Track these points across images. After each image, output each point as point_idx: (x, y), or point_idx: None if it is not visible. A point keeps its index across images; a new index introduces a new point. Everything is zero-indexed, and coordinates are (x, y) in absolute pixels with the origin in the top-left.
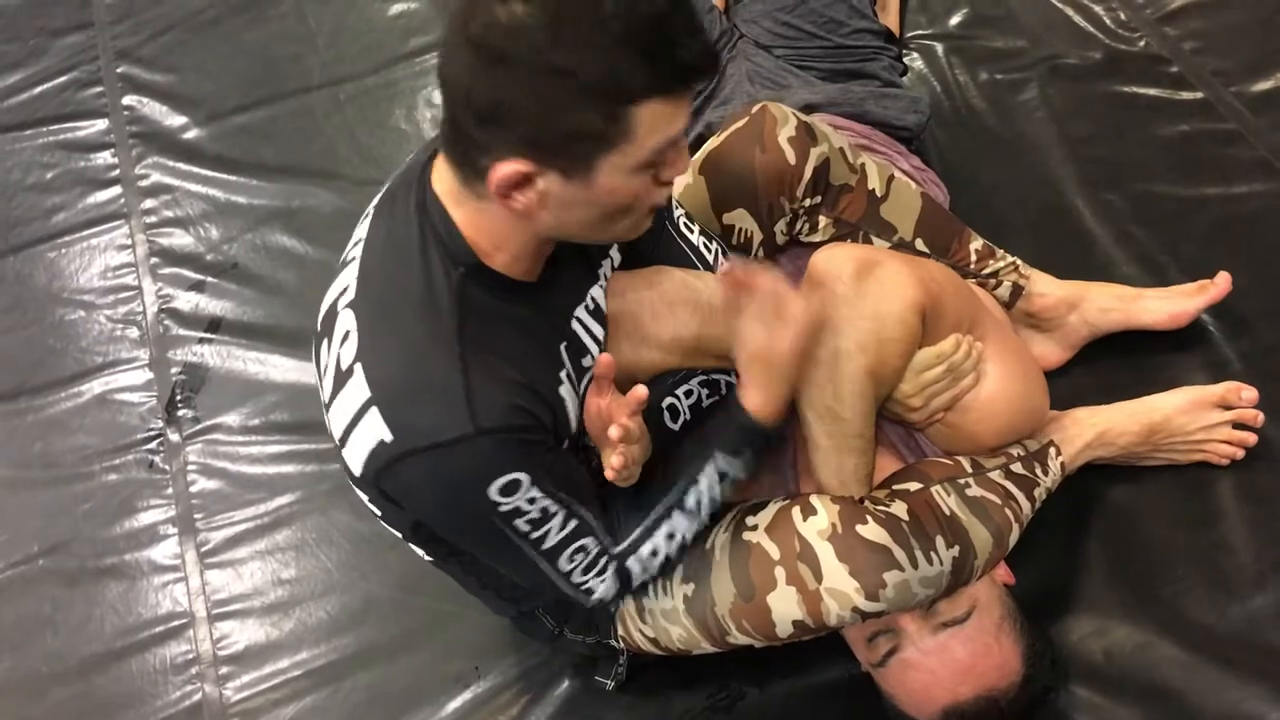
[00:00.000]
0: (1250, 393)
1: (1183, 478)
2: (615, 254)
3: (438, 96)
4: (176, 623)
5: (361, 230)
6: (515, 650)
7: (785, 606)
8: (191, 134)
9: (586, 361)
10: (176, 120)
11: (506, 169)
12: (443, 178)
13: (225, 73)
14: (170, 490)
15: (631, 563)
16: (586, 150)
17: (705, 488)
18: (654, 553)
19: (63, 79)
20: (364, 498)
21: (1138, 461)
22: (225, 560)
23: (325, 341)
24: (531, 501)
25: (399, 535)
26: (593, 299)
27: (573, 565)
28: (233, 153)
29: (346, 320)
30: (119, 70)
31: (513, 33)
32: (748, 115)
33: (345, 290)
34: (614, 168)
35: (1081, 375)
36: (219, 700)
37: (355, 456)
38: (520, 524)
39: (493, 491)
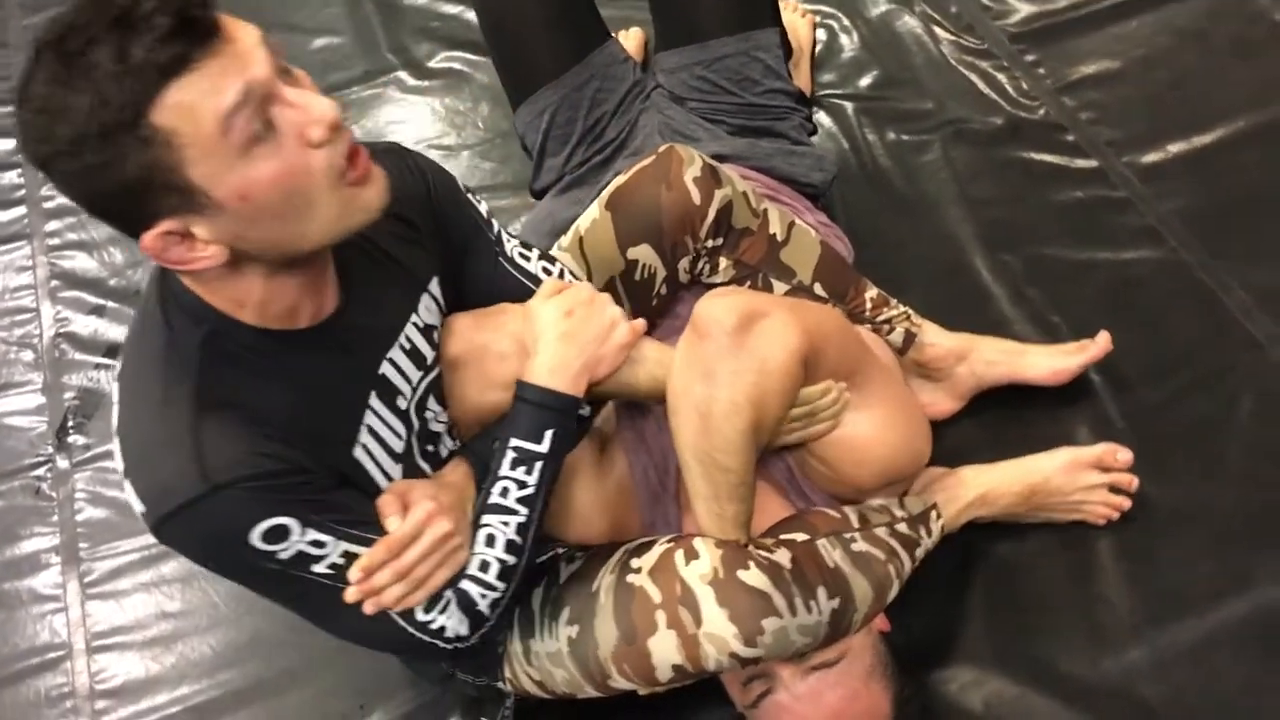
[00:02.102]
0: (1126, 455)
1: (1064, 534)
2: (436, 290)
3: (355, 131)
4: (53, 654)
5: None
6: (404, 689)
7: (665, 650)
8: None
9: (401, 404)
10: None
11: (147, 242)
12: None
13: None
14: (55, 518)
15: (465, 584)
16: (168, 180)
17: (509, 474)
18: (484, 565)
19: None
20: None
21: (1018, 520)
22: (108, 591)
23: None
24: (319, 545)
25: None
26: (408, 339)
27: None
28: None
29: (114, 391)
30: None
31: (29, 135)
32: (655, 154)
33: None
34: (213, 174)
35: (970, 428)
36: None
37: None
38: (321, 569)
39: (256, 541)
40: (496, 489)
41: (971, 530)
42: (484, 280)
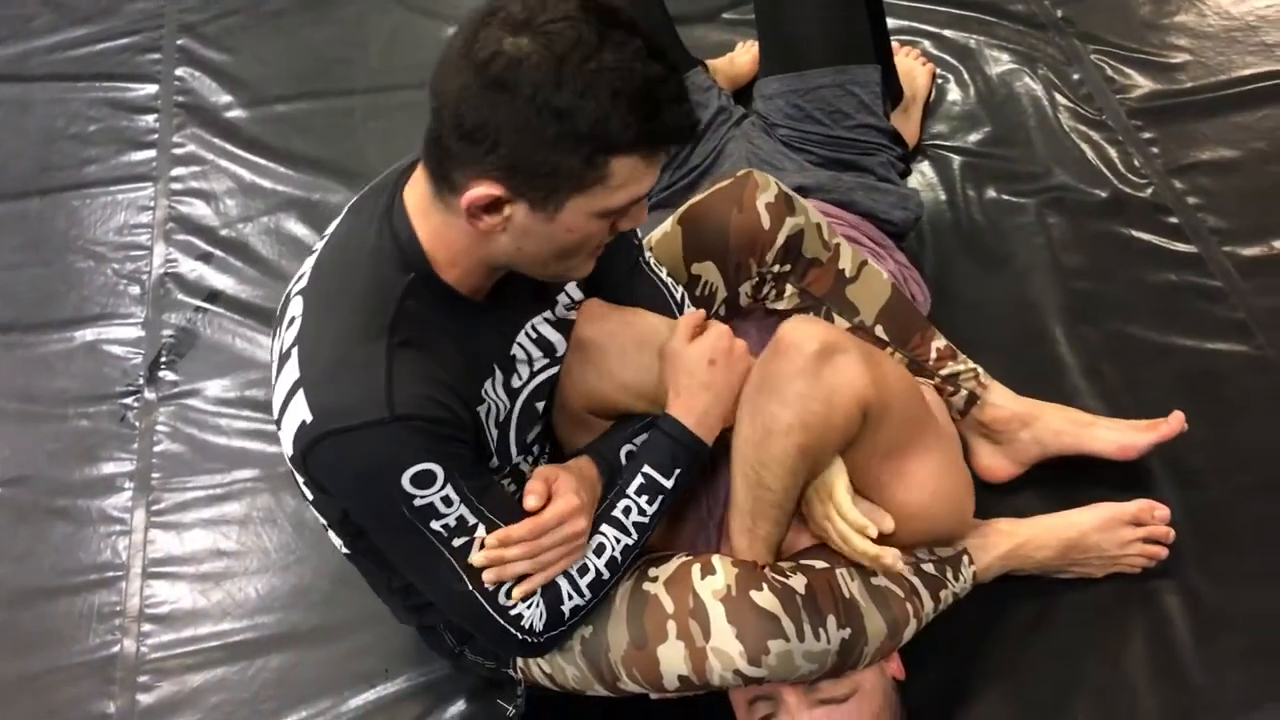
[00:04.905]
0: (1163, 511)
1: (1099, 608)
2: (573, 288)
3: None
4: (111, 573)
5: (331, 227)
6: (429, 660)
7: (673, 659)
8: (233, 113)
9: (515, 382)
10: (222, 98)
11: (479, 190)
12: (416, 188)
13: (277, 62)
14: (136, 446)
15: (560, 579)
16: (560, 188)
17: (634, 497)
18: (583, 568)
19: (124, 40)
20: (299, 481)
21: (1052, 574)
22: (171, 522)
23: (278, 327)
24: (448, 502)
25: (325, 523)
26: (535, 328)
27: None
28: (267, 138)
29: (295, 306)
30: (179, 42)
31: (516, 65)
32: (733, 177)
33: (300, 278)
34: (579, 210)
35: (1023, 493)
36: (134, 655)
37: (286, 437)
38: (437, 526)
39: (405, 481)
40: (620, 505)
41: (1004, 588)
42: (622, 281)
